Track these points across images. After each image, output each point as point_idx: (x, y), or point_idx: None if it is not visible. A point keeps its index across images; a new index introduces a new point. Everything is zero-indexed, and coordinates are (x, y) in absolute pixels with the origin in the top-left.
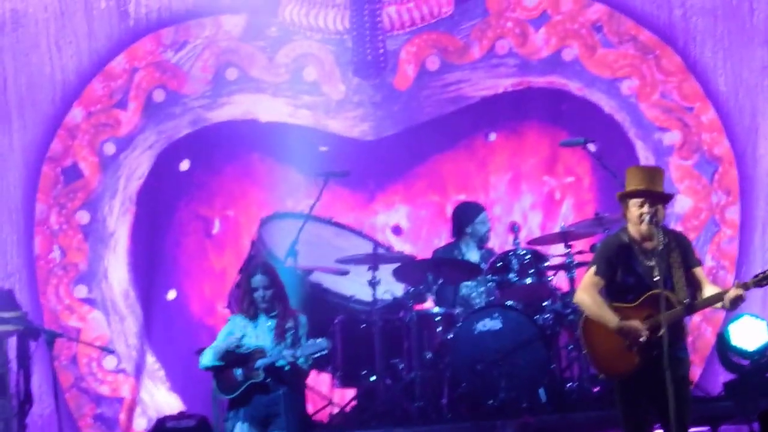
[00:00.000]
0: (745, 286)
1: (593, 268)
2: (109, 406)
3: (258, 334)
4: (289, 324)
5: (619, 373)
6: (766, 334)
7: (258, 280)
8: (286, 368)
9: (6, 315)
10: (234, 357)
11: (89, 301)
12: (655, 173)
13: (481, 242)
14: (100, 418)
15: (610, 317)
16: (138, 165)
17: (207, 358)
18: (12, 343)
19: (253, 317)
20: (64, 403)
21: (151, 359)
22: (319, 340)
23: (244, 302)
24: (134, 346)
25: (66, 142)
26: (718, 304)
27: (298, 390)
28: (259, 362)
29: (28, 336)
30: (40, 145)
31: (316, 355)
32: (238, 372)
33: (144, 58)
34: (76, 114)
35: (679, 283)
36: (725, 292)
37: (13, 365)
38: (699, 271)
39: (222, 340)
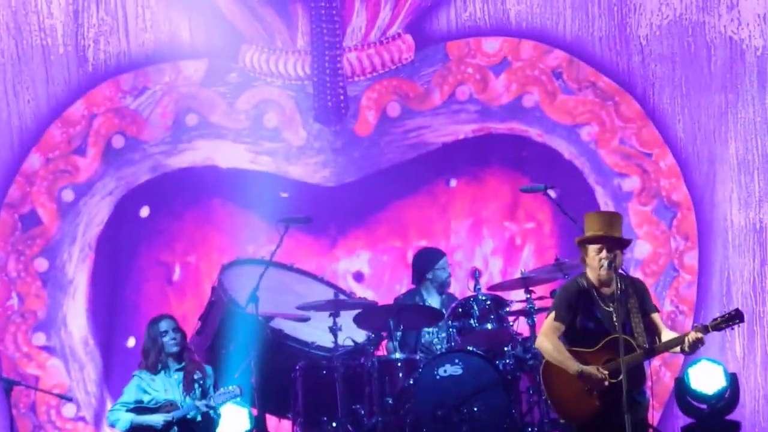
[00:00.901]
0: (705, 330)
1: (553, 314)
2: None
3: (167, 388)
4: (197, 375)
5: (579, 416)
6: (723, 379)
7: (164, 324)
8: (198, 419)
9: None
10: (145, 410)
11: (48, 349)
12: (613, 218)
13: (442, 288)
14: None
15: (570, 363)
16: (97, 211)
17: (122, 424)
18: None
19: (158, 371)
20: None
21: (110, 406)
22: (231, 388)
23: (150, 354)
24: (94, 394)
25: (24, 189)
26: (677, 348)
27: None
28: (171, 414)
29: None
30: None
31: (229, 402)
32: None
33: (103, 104)
34: (34, 160)
35: (637, 328)
36: (685, 335)
37: None
38: (656, 317)
39: (130, 396)
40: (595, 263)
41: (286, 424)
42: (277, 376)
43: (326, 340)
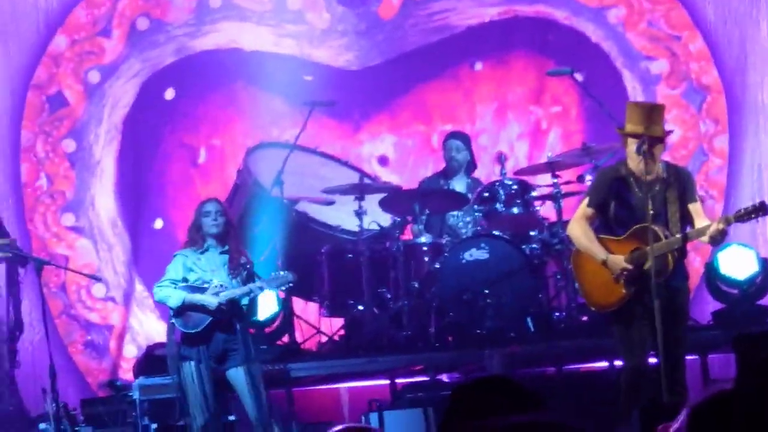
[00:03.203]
0: (727, 221)
1: (586, 200)
2: (98, 333)
3: (213, 268)
4: (243, 259)
5: (607, 304)
6: (755, 263)
7: (209, 205)
8: (246, 302)
9: None
10: (194, 290)
11: (77, 230)
12: (654, 112)
13: (452, 170)
14: (90, 345)
15: (596, 250)
16: (123, 93)
17: (173, 301)
18: (1, 270)
19: (202, 249)
20: (54, 330)
21: (139, 287)
22: (285, 273)
23: (193, 232)
24: (122, 275)
25: (50, 70)
26: (704, 238)
27: (258, 324)
28: (223, 296)
29: (16, 263)
30: (24, 72)
31: (283, 287)
32: (203, 306)
33: None
34: (60, 41)
35: (673, 218)
36: (707, 227)
37: (2, 292)
38: (695, 207)
39: (177, 273)
40: (634, 154)
41: (313, 306)
42: (303, 259)
43: (351, 224)
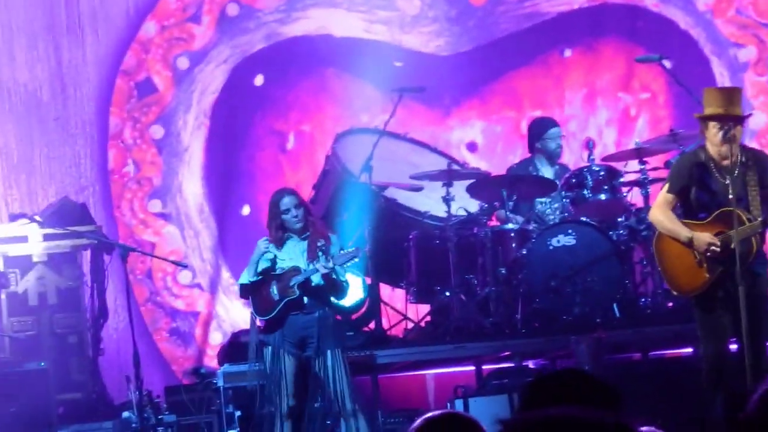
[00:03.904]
0: None
1: (667, 186)
2: (184, 320)
3: (292, 257)
4: (320, 242)
5: (690, 289)
6: None
7: (287, 201)
8: (321, 283)
9: (80, 229)
10: (270, 277)
11: (164, 216)
12: (733, 94)
13: (551, 158)
14: (176, 332)
15: (681, 230)
16: (212, 79)
17: (243, 278)
18: (86, 257)
19: (282, 243)
20: (139, 317)
21: (226, 274)
22: (351, 249)
23: (272, 229)
24: (209, 261)
25: (139, 56)
26: None
27: (341, 310)
28: (294, 279)
29: (102, 250)
30: (113, 58)
31: (349, 263)
32: (274, 291)
33: None
34: (150, 28)
35: (754, 201)
36: None
37: (87, 279)
38: None
39: (258, 266)
40: (715, 138)
41: (400, 293)
42: (391, 246)
43: (439, 210)
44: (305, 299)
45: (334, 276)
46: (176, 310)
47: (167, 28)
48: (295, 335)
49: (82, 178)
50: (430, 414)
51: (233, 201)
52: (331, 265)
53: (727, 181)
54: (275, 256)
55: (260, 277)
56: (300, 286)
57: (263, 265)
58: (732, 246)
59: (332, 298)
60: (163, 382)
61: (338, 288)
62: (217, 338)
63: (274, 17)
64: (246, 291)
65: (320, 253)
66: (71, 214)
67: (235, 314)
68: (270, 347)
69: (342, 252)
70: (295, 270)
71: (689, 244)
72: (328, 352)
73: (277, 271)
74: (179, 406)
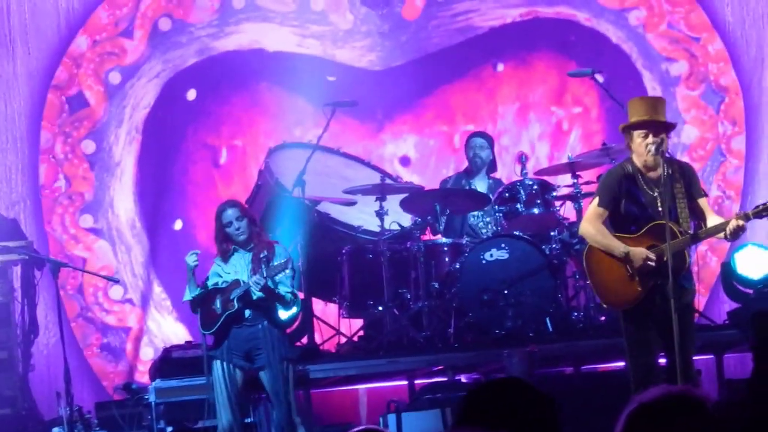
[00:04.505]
0: (746, 217)
1: (597, 199)
2: (115, 336)
3: (237, 270)
4: (263, 254)
5: (622, 302)
6: None
7: (229, 214)
8: (262, 296)
9: (11, 244)
10: (215, 291)
11: (95, 231)
12: (657, 103)
13: (476, 168)
14: (107, 348)
15: (615, 245)
16: (144, 94)
17: (187, 294)
18: (16, 272)
19: (228, 255)
20: (70, 333)
21: (157, 289)
22: (281, 261)
23: (218, 242)
24: (141, 276)
25: (71, 71)
26: (720, 234)
27: (281, 323)
28: (233, 293)
29: (32, 265)
30: (44, 72)
31: (281, 275)
32: (217, 305)
33: None
34: (81, 42)
35: (682, 214)
36: (727, 222)
37: (18, 294)
38: (703, 202)
39: (208, 282)
40: (642, 148)
41: (333, 307)
42: (324, 260)
43: (372, 224)
44: (246, 312)
45: (271, 287)
46: (107, 325)
47: (99, 43)
48: (241, 348)
49: (13, 193)
50: (360, 428)
51: (165, 216)
52: (263, 277)
53: (656, 194)
54: (221, 270)
55: (201, 290)
56: (240, 299)
57: (213, 280)
58: (665, 259)
59: (280, 310)
60: (94, 397)
61: (281, 300)
62: (148, 353)
63: (206, 32)
64: (194, 306)
65: (263, 265)
66: (1, 229)
67: (167, 329)
68: (218, 361)
69: (273, 264)
70: (236, 283)
71: (625, 259)
72: (275, 364)
73: (221, 284)
74: (110, 421)
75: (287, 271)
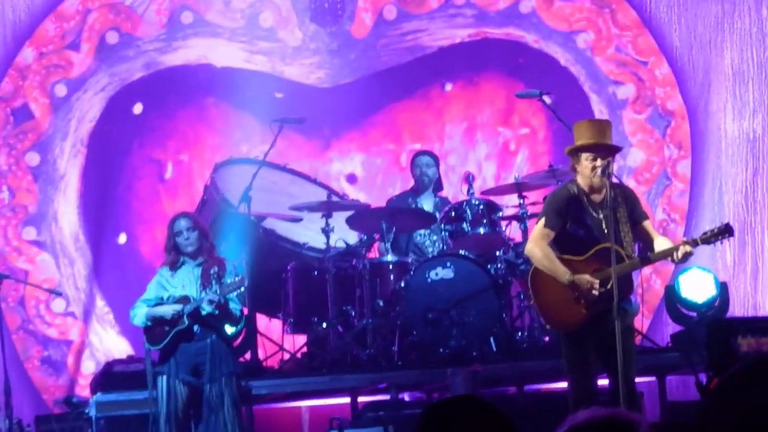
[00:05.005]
0: (694, 243)
1: (543, 220)
2: (56, 349)
3: (185, 284)
4: (213, 270)
5: (566, 324)
6: (713, 287)
7: (180, 224)
8: (215, 312)
9: None
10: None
11: (38, 244)
12: (604, 126)
13: (423, 185)
14: (48, 361)
15: (561, 271)
16: (90, 107)
17: (139, 319)
18: None
19: (177, 268)
20: (11, 345)
21: (100, 303)
22: (237, 278)
23: (168, 253)
24: (83, 290)
25: (16, 83)
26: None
27: (229, 338)
28: (184, 309)
29: None
30: None
31: (236, 293)
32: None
33: None
34: (27, 54)
35: (627, 237)
36: (675, 248)
37: None
38: (647, 225)
39: (151, 293)
40: (588, 171)
41: (277, 323)
42: (269, 276)
43: (318, 241)
44: (195, 327)
45: (224, 304)
46: (49, 338)
47: (45, 55)
48: (188, 363)
49: None
50: None
51: (109, 229)
52: (217, 295)
53: (601, 216)
54: (168, 282)
55: (151, 323)
56: (190, 315)
57: (158, 293)
58: (609, 285)
59: (226, 326)
60: (34, 411)
61: (231, 317)
62: (89, 367)
63: (154, 46)
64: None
65: (213, 281)
66: None
67: (109, 343)
68: (164, 376)
69: (228, 282)
70: (185, 299)
71: (570, 285)
72: (223, 379)
73: (169, 300)
74: None
75: (242, 289)
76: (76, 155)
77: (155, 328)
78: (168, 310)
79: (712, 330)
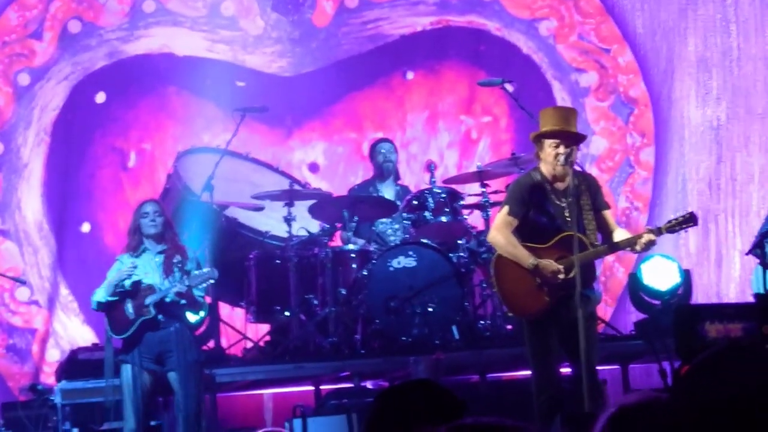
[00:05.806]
0: (658, 231)
1: (506, 208)
2: (21, 337)
3: (147, 271)
4: (176, 258)
5: (529, 312)
6: (677, 275)
7: (148, 206)
8: (181, 302)
9: None
10: (124, 294)
11: (2, 232)
12: (569, 114)
13: (382, 174)
14: (12, 349)
15: (524, 256)
16: (53, 96)
17: (99, 295)
18: None
19: (138, 253)
20: None
21: (64, 291)
22: (206, 270)
23: (131, 236)
24: (47, 278)
25: None
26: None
27: (192, 325)
28: (149, 299)
29: None
30: None
31: (204, 285)
32: (129, 310)
33: None
34: None
35: (590, 225)
36: (638, 237)
37: None
38: (608, 214)
39: (114, 281)
40: (551, 158)
41: (239, 312)
42: (231, 265)
43: (280, 230)
44: (159, 316)
45: (189, 293)
46: (13, 326)
47: (8, 44)
48: (152, 351)
49: None
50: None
51: (73, 218)
52: (186, 285)
53: (564, 204)
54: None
55: (117, 297)
56: (156, 305)
57: (120, 275)
58: (573, 272)
59: (189, 314)
60: (0, 398)
61: (196, 304)
62: (54, 355)
63: (116, 35)
64: (102, 308)
65: (176, 270)
66: None
67: (73, 331)
68: (127, 364)
69: (197, 273)
70: (150, 288)
71: (533, 271)
72: (186, 366)
73: (132, 285)
74: (16, 422)
75: (212, 281)
76: (40, 144)
77: (118, 315)
78: (123, 274)
79: (678, 316)
